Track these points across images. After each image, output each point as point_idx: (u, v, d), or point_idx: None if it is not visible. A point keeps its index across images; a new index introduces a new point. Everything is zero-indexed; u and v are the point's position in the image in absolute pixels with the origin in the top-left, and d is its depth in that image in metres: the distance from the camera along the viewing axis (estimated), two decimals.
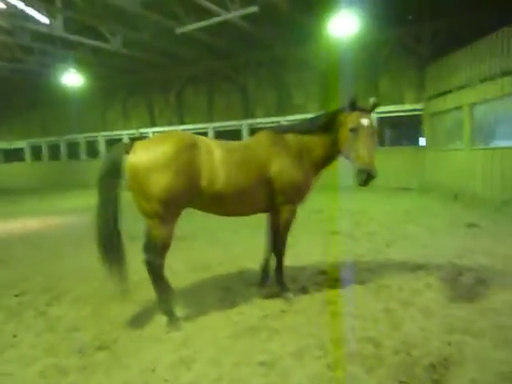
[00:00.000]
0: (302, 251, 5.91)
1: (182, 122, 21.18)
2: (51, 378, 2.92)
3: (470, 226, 7.52)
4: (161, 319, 3.75)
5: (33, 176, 25.25)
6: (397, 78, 15.56)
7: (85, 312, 4.11)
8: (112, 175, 3.69)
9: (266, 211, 4.27)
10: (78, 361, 3.13)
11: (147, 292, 4.54)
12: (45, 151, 25.45)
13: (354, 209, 9.84)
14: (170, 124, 21.40)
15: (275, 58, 18.20)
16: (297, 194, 4.12)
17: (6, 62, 17.47)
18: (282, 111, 18.42)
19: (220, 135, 19.72)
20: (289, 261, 5.47)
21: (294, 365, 2.89)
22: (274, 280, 4.34)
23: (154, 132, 21.48)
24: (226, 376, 2.80)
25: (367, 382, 2.67)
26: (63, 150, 24.63)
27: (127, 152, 3.65)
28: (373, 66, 15.81)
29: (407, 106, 14.72)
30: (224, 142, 4.07)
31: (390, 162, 14.16)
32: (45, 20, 13.00)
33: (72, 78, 18.37)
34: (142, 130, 21.83)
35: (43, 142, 25.43)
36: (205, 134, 19.32)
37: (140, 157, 3.58)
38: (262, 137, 4.22)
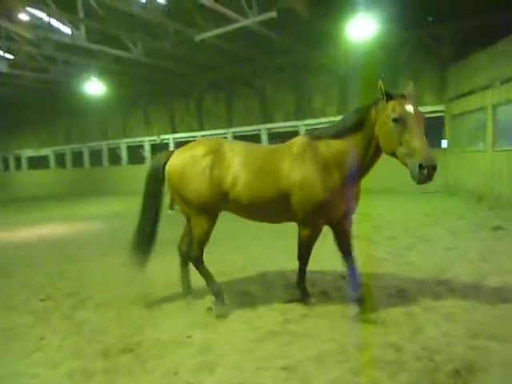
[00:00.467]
0: (322, 255, 5.89)
1: (202, 128, 21.42)
2: (77, 380, 3.01)
3: (495, 228, 7.34)
4: (182, 320, 3.82)
5: (57, 183, 25.93)
6: (417, 79, 15.33)
7: (109, 316, 4.21)
8: (154, 180, 4.21)
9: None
10: (102, 363, 3.21)
11: (170, 297, 4.63)
12: (68, 158, 26.14)
13: (374, 212, 9.74)
14: (190, 130, 21.67)
15: (294, 63, 18.23)
16: (318, 210, 3.68)
17: (32, 72, 18.06)
18: (300, 115, 18.41)
19: (239, 140, 19.82)
20: (310, 265, 5.47)
21: (316, 369, 2.89)
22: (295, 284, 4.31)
23: (174, 138, 21.77)
24: (248, 381, 2.83)
25: None
26: (86, 157, 25.24)
27: (168, 158, 4.15)
28: (393, 67, 15.64)
29: (428, 108, 14.47)
30: (254, 147, 4.13)
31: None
32: (68, 30, 13.41)
33: (94, 87, 18.84)
34: (163, 137, 22.15)
35: (67, 149, 26.14)
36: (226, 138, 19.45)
37: (172, 162, 4.08)
38: (294, 142, 3.95)
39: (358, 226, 8.40)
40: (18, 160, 28.78)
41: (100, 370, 3.12)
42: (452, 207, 10.50)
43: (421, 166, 3.10)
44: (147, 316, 4.12)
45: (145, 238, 4.30)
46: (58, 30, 13.40)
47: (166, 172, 4.11)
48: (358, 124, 3.57)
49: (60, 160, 26.82)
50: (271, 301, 4.29)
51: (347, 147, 3.61)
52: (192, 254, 4.25)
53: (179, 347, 3.39)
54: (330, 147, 3.69)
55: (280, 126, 18.69)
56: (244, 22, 12.76)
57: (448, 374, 2.74)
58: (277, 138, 17.59)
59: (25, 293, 5.12)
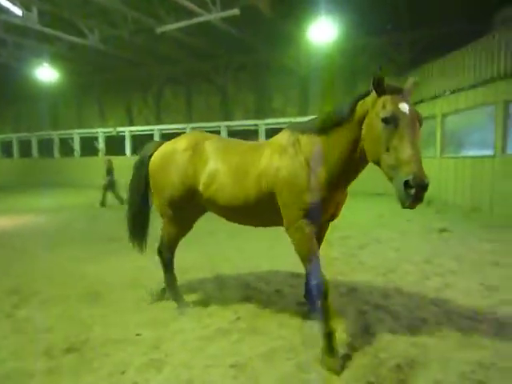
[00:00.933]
0: (278, 254, 5.96)
1: (160, 122, 21.00)
2: (15, 381, 2.85)
3: (441, 231, 7.75)
4: (132, 319, 3.73)
5: (3, 173, 24.46)
6: None
7: (54, 314, 4.02)
8: (139, 170, 4.16)
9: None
10: (45, 363, 3.06)
11: (120, 294, 4.49)
12: (16, 148, 24.72)
13: None
14: (148, 123, 21.18)
15: (256, 62, 18.30)
16: (301, 209, 3.14)
17: None
18: (261, 115, 18.51)
19: None
20: (266, 264, 5.51)
21: (264, 366, 2.92)
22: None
23: (131, 131, 21.17)
24: (196, 378, 2.80)
25: (336, 383, 2.72)
26: (35, 146, 23.98)
27: (156, 149, 4.06)
28: (352, 72, 16.11)
29: None
30: (237, 143, 3.83)
31: (366, 167, 14.37)
32: (18, 11, 12.65)
33: (46, 73, 17.94)
34: (120, 129, 21.49)
35: (14, 137, 24.71)
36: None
37: (156, 154, 4.01)
38: (277, 137, 3.50)
39: None
40: None
41: (42, 370, 2.97)
42: (403, 209, 10.95)
43: (407, 184, 2.40)
44: (96, 314, 3.97)
45: (135, 229, 4.29)
46: (7, 11, 12.61)
47: (149, 163, 4.02)
48: (344, 119, 2.93)
49: (6, 149, 25.31)
50: (224, 299, 4.27)
51: (330, 144, 3.03)
52: (164, 254, 4.11)
53: (128, 345, 3.30)
54: (314, 142, 3.14)
55: (240, 124, 18.69)
56: (207, 17, 12.63)
57: (391, 369, 2.85)
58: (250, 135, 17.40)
59: None
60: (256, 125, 18.02)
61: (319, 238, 3.65)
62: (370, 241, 7.07)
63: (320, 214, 3.21)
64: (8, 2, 12.34)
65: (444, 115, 11.69)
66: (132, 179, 4.24)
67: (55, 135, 23.21)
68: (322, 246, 3.68)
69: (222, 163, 3.61)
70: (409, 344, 3.23)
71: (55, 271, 5.44)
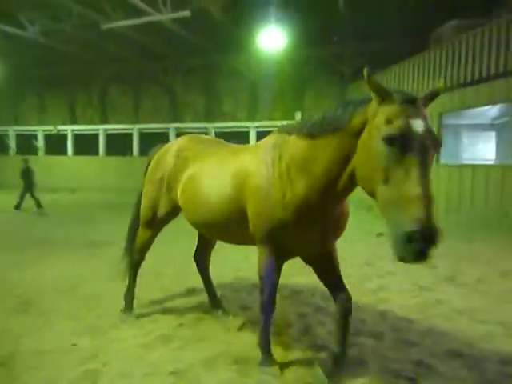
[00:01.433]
0: (224, 256, 5.93)
1: (106, 122, 20.23)
2: None
3: (379, 235, 8.13)
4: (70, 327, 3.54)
5: None
6: (321, 94, 16.40)
7: None
8: (144, 175, 3.94)
9: None
10: None
11: (54, 301, 4.25)
12: None
13: None
14: (92, 122, 20.33)
15: (206, 65, 18.22)
16: (266, 230, 2.64)
17: None
18: (210, 118, 18.43)
19: (145, 138, 19.16)
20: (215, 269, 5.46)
21: (206, 373, 2.88)
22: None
23: (73, 130, 20.22)
24: None
25: None
26: None
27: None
28: (299, 81, 16.51)
29: None
30: (220, 147, 3.46)
31: None
32: None
33: None
34: (61, 127, 20.44)
35: None
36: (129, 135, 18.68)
37: (155, 156, 3.86)
38: (265, 139, 2.99)
39: None
40: None
41: None
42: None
43: (410, 237, 1.75)
44: (27, 324, 3.72)
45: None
46: None
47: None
48: (338, 126, 2.29)
49: None
50: (167, 305, 4.18)
51: (319, 154, 2.41)
52: (133, 256, 3.96)
53: (62, 356, 3.13)
54: (299, 148, 2.53)
55: (189, 126, 18.49)
56: (156, 17, 12.40)
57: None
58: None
59: None
60: (205, 128, 17.92)
61: (331, 269, 3.08)
62: None
63: (293, 243, 2.63)
64: None
65: None
66: (143, 181, 3.96)
67: None
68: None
69: (198, 168, 3.27)
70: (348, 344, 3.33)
71: None
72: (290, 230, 2.55)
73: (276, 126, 3.06)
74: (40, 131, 20.80)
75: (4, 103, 22.05)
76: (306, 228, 2.56)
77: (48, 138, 20.74)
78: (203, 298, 4.38)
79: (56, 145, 20.42)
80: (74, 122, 20.83)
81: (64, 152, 20.26)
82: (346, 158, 2.27)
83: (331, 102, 16.29)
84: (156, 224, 3.76)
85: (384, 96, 2.02)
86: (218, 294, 4.35)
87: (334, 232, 2.78)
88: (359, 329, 3.64)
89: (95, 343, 3.33)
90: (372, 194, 2.07)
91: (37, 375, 2.86)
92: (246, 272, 5.35)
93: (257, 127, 17.44)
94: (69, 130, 20.32)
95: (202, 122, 18.39)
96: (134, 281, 4.02)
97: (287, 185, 2.54)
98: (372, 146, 2.01)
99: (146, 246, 3.92)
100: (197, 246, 4.18)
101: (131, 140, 19.35)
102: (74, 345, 3.31)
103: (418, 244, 1.73)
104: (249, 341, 3.37)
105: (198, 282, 4.90)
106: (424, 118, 1.97)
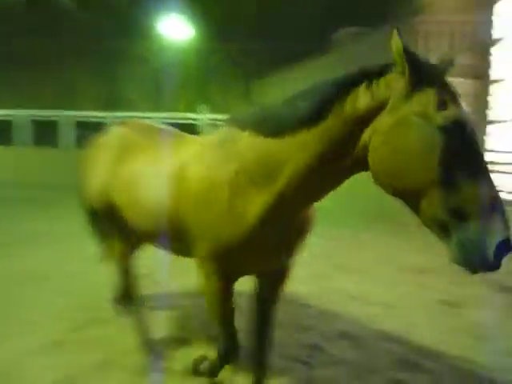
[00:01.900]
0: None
1: None
2: None
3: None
4: None
5: None
6: (226, 88, 16.52)
7: None
8: None
9: None
10: None
11: None
12: None
13: None
14: None
15: (105, 48, 17.10)
16: (213, 250, 2.05)
17: None
18: (111, 105, 17.39)
19: (39, 125, 17.40)
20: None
21: (97, 376, 2.72)
22: None
23: None
24: None
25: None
26: None
27: None
28: (204, 72, 16.42)
29: None
30: (163, 138, 2.68)
31: None
32: None
33: None
34: None
35: None
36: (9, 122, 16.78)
37: None
38: (210, 136, 2.36)
39: None
40: None
41: None
42: None
43: (503, 244, 1.36)
44: None
45: None
46: None
47: None
48: (317, 118, 1.69)
49: None
50: (59, 308, 3.84)
51: (287, 155, 1.79)
52: None
53: None
54: (257, 148, 1.90)
55: (87, 115, 17.22)
56: None
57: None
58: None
59: None
60: (105, 117, 16.85)
61: (271, 292, 2.47)
62: None
63: (247, 264, 2.11)
64: None
65: None
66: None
67: None
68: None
69: (131, 166, 2.58)
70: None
71: None
72: (241, 248, 1.97)
73: (181, 118, 2.74)
74: None
75: None
76: (265, 245, 2.01)
77: None
78: (99, 299, 4.11)
79: None
80: None
81: None
82: (337, 156, 1.68)
83: (237, 96, 16.51)
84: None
85: (426, 71, 1.49)
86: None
87: (295, 240, 2.15)
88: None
89: None
90: (415, 198, 1.50)
91: None
92: None
93: (162, 118, 16.93)
94: None
95: (102, 109, 17.25)
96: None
97: (236, 197, 1.92)
98: (418, 138, 1.45)
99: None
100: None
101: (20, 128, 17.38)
102: None
103: (505, 252, 1.38)
104: (147, 341, 3.25)
105: (96, 284, 4.59)
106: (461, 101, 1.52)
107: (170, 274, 4.28)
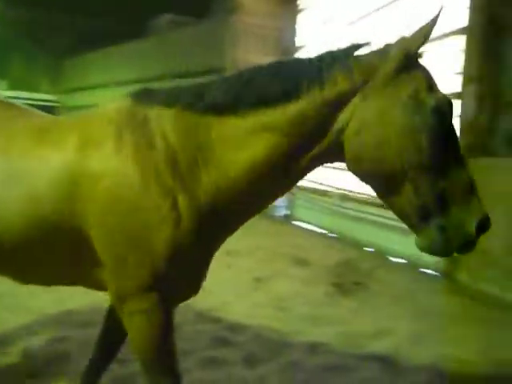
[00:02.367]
0: None
1: None
2: None
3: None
4: None
5: None
6: (32, 64, 14.36)
7: None
8: None
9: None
10: None
11: None
12: None
13: None
14: None
15: None
16: (148, 269, 1.52)
17: None
18: None
19: None
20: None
21: None
22: None
23: None
24: None
25: None
26: None
27: None
28: (3, 44, 13.89)
29: (42, 96, 13.84)
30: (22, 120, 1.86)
31: None
32: None
33: None
34: None
35: None
36: None
37: None
38: (103, 111, 1.78)
39: None
40: None
41: None
42: None
43: (481, 224, 1.39)
44: None
45: None
46: None
47: None
48: (292, 94, 1.44)
49: None
50: None
51: (243, 141, 1.49)
52: None
53: None
54: (190, 129, 1.55)
55: None
56: None
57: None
58: None
59: None
60: None
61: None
62: None
63: (191, 279, 1.67)
64: None
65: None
66: None
67: None
68: None
69: None
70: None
71: None
72: (189, 259, 1.54)
73: None
74: None
75: None
76: (208, 254, 1.66)
77: None
78: None
79: None
80: None
81: None
82: (306, 144, 1.47)
83: (45, 74, 14.57)
84: None
85: (413, 52, 1.40)
86: None
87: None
88: (67, 320, 3.40)
89: None
90: (392, 180, 1.41)
91: None
92: None
93: None
94: None
95: None
96: None
97: (173, 193, 1.49)
98: (411, 120, 1.37)
99: None
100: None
101: None
102: None
103: (485, 229, 1.40)
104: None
105: None
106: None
107: None
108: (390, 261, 5.63)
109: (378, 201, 1.59)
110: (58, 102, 14.03)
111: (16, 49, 14.14)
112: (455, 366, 2.92)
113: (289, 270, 5.07)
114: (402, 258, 5.55)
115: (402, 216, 1.46)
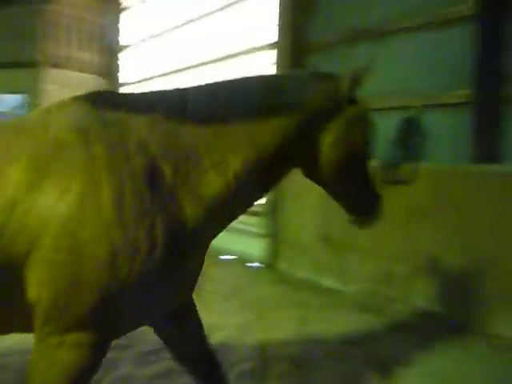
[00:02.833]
0: None
1: None
2: None
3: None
4: None
5: None
6: None
7: None
8: None
9: None
10: None
11: None
12: None
13: None
14: None
15: None
16: (112, 302, 1.29)
17: None
18: None
19: None
20: None
21: None
22: None
23: None
24: None
25: None
26: None
27: None
28: None
29: None
30: None
31: None
32: None
33: None
34: None
35: None
36: None
37: None
38: (56, 116, 1.44)
39: None
40: None
41: None
42: None
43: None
44: None
45: None
46: None
47: None
48: (279, 109, 1.57)
49: None
50: None
51: (231, 148, 1.50)
52: None
53: None
54: (179, 144, 1.44)
55: None
56: None
57: None
58: None
59: None
60: None
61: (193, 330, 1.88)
62: None
63: (153, 307, 1.48)
64: None
65: None
66: None
67: None
68: None
69: None
70: None
71: None
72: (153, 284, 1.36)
73: None
74: None
75: None
76: (179, 276, 1.48)
77: None
78: None
79: None
80: None
81: None
82: (283, 156, 1.61)
83: None
84: None
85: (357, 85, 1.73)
86: None
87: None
88: None
89: None
90: (355, 180, 1.78)
91: None
92: None
93: None
94: None
95: None
96: None
97: (142, 212, 1.30)
98: (363, 129, 1.75)
99: None
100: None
101: None
102: None
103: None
104: None
105: None
106: None
107: None
108: (220, 259, 5.85)
109: None
110: None
111: None
112: (277, 347, 3.18)
113: None
114: (231, 254, 5.86)
115: (353, 206, 1.85)
